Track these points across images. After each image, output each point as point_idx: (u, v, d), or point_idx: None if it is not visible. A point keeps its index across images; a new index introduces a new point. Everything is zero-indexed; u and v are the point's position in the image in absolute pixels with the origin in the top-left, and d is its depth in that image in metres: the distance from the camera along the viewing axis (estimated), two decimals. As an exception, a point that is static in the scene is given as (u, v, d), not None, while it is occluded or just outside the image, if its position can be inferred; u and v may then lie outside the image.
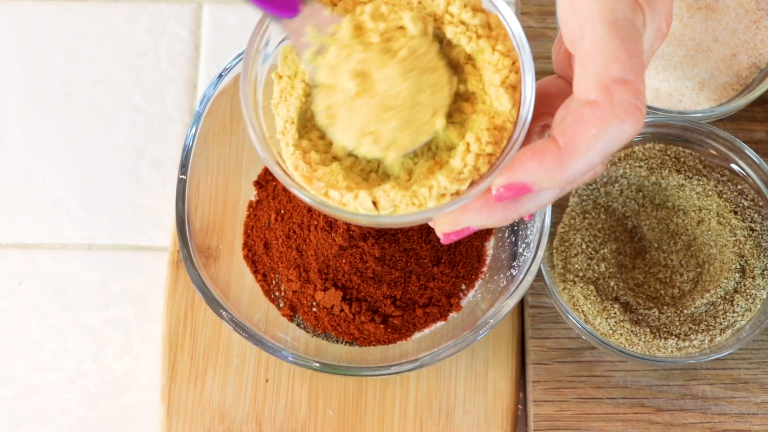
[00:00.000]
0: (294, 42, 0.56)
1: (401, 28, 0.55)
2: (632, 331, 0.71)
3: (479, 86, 0.56)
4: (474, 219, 0.54)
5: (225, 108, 0.73)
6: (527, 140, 0.55)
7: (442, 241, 0.56)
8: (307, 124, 0.57)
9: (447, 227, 0.55)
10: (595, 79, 0.50)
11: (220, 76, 0.71)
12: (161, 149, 0.83)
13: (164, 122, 0.83)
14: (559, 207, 0.75)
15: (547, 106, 0.56)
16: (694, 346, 0.71)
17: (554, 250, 0.74)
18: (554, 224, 0.74)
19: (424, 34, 0.55)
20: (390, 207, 0.54)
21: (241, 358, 0.75)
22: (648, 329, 0.71)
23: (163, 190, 0.81)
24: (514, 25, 0.56)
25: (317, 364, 0.69)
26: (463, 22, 0.56)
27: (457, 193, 0.54)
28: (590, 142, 0.50)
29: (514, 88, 0.55)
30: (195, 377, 0.74)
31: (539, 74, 0.55)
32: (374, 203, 0.54)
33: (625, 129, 0.50)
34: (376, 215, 0.54)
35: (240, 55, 0.71)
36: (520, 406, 0.75)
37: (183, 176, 0.70)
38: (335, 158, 0.57)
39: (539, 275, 0.71)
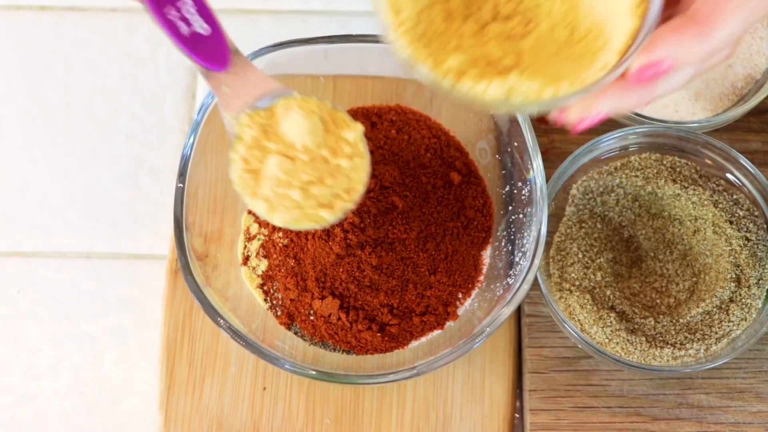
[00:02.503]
0: (217, 96, 0.61)
1: None
2: (628, 340, 0.71)
3: None
4: (609, 103, 0.53)
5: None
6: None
7: (574, 130, 0.54)
8: None
9: (578, 113, 0.54)
10: None
11: (219, 85, 0.71)
12: (160, 158, 0.83)
13: (163, 131, 0.84)
14: (556, 216, 0.75)
15: None
16: (690, 355, 0.71)
17: (550, 259, 0.74)
18: (551, 233, 0.74)
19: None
20: (523, 94, 0.52)
21: (238, 366, 0.75)
22: (644, 338, 0.71)
23: (161, 199, 0.82)
24: None
25: (314, 372, 0.69)
26: None
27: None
28: (735, 8, 0.49)
29: None
30: (193, 385, 0.74)
31: None
32: (508, 90, 0.52)
33: None
34: (506, 100, 0.52)
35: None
36: (516, 415, 0.75)
37: (181, 184, 0.70)
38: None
39: (535, 284, 0.71)
